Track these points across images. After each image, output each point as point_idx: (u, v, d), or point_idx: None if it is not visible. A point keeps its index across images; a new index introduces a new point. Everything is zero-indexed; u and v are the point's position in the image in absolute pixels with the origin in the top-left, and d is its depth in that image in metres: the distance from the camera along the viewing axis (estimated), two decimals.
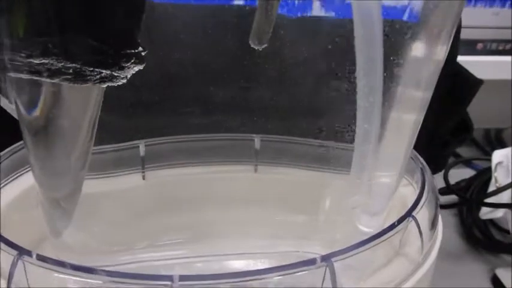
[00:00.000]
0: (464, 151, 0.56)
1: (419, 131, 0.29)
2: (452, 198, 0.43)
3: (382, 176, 0.23)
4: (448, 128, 0.35)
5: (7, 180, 0.24)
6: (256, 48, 0.20)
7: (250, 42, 0.20)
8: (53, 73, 0.18)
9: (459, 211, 0.43)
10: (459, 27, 0.32)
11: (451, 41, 0.20)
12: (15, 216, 0.24)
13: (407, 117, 0.21)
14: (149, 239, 0.26)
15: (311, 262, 0.18)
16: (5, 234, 0.19)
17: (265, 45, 0.20)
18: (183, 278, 0.17)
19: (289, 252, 0.27)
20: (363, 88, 0.18)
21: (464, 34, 0.45)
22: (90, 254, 0.24)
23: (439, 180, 0.42)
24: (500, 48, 0.47)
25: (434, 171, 0.38)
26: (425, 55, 0.20)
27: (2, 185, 0.24)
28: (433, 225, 0.23)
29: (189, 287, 0.17)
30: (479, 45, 0.46)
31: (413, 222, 0.21)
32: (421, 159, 0.25)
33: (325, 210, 0.26)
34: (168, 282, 0.17)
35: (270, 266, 0.18)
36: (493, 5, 0.45)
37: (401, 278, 0.21)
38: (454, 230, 0.42)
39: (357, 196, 0.22)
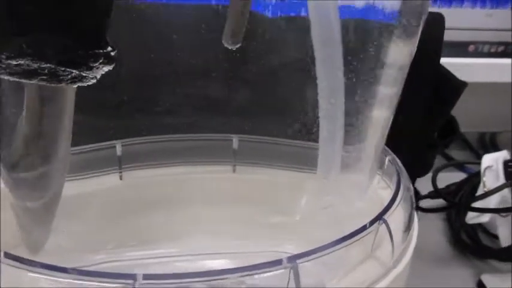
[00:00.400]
0: (457, 154, 0.56)
1: (404, 134, 0.30)
2: (441, 202, 0.42)
3: (351, 175, 0.22)
4: (433, 130, 0.35)
5: None
6: (230, 48, 0.20)
7: (223, 41, 0.20)
8: (30, 74, 0.18)
9: (447, 215, 0.43)
10: (442, 29, 0.32)
11: (417, 38, 0.20)
12: None
13: (376, 114, 0.21)
14: (126, 238, 0.26)
15: (277, 263, 0.18)
16: None
17: (239, 44, 0.21)
18: (146, 277, 0.17)
19: (267, 252, 0.27)
20: (323, 90, 0.18)
21: (456, 36, 0.45)
22: (64, 255, 0.24)
23: (428, 184, 0.42)
24: (493, 50, 0.46)
25: (420, 173, 0.38)
26: (390, 53, 0.20)
27: None
28: (408, 228, 0.23)
29: (152, 286, 0.17)
30: (471, 47, 0.46)
31: (384, 226, 0.21)
32: (399, 162, 0.25)
33: (303, 210, 0.27)
34: (131, 281, 0.17)
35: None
36: (485, 6, 0.45)
37: (373, 279, 0.21)
38: (442, 234, 0.42)
39: (327, 196, 0.22)
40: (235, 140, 0.27)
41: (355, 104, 0.21)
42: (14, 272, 0.18)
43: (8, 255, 0.18)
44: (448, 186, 0.44)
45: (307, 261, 0.19)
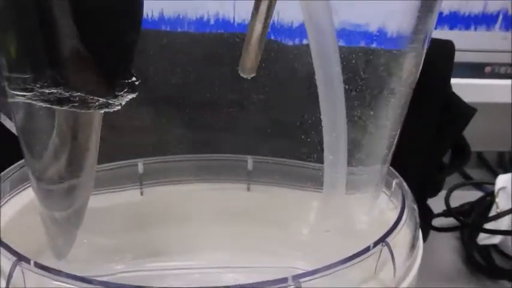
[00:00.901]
0: (475, 173, 0.56)
1: (414, 156, 0.30)
2: (455, 220, 0.43)
3: (356, 195, 0.24)
4: (442, 153, 0.36)
5: (17, 190, 0.26)
6: (245, 77, 0.22)
7: (239, 71, 0.22)
8: (62, 101, 0.19)
9: (461, 234, 0.43)
10: (452, 56, 0.33)
11: (421, 60, 0.21)
12: (23, 223, 0.26)
13: (380, 136, 0.22)
14: (144, 250, 0.28)
15: (283, 281, 0.19)
16: (15, 240, 0.21)
17: (254, 74, 0.22)
18: None
19: (277, 268, 0.28)
20: (325, 123, 0.19)
21: (473, 57, 0.46)
22: (85, 264, 0.26)
23: (442, 202, 0.42)
24: (509, 71, 0.47)
25: (430, 194, 0.39)
26: (394, 75, 0.21)
27: (12, 195, 0.26)
28: (412, 246, 0.24)
29: None
30: (488, 69, 0.47)
31: (386, 248, 0.22)
32: (405, 185, 0.26)
33: (313, 228, 0.28)
34: None
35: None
36: (502, 29, 0.45)
37: None
38: (455, 253, 0.43)
39: (328, 220, 0.23)
40: (250, 161, 0.29)
41: (358, 127, 0.22)
42: (40, 279, 0.19)
43: (37, 264, 0.20)
44: (462, 205, 0.44)
45: (311, 280, 0.20)
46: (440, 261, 0.42)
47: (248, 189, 0.29)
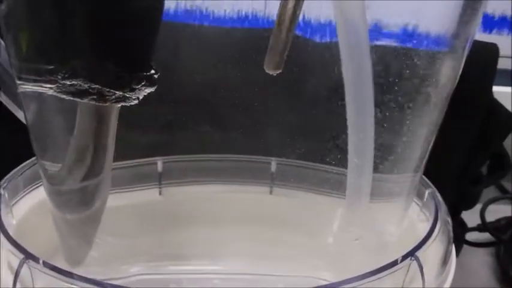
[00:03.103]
0: None
1: (450, 165, 0.29)
2: (489, 235, 0.40)
3: (385, 204, 0.22)
4: (480, 164, 0.34)
5: (31, 187, 0.26)
6: (271, 74, 0.21)
7: (265, 67, 0.21)
8: (81, 93, 0.19)
9: (496, 250, 0.41)
10: (495, 61, 0.31)
11: (461, 64, 0.19)
12: (37, 222, 0.25)
13: (414, 143, 0.21)
14: (161, 252, 0.27)
15: None
16: (28, 238, 0.20)
17: (280, 71, 0.21)
18: None
19: (300, 277, 0.27)
20: (352, 124, 0.18)
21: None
22: (102, 265, 0.25)
23: (477, 216, 0.40)
24: None
25: (465, 207, 0.37)
26: (431, 79, 0.19)
27: (25, 193, 0.25)
28: (444, 262, 0.22)
29: None
30: None
31: (415, 262, 0.20)
32: (439, 195, 0.24)
33: (337, 237, 0.26)
34: None
35: None
36: None
37: None
38: (489, 269, 0.40)
39: (356, 228, 0.22)
40: (273, 163, 0.27)
41: (389, 132, 0.20)
42: (50, 280, 0.19)
43: (46, 264, 0.19)
44: (498, 220, 0.42)
45: None
46: (473, 278, 0.40)
47: (271, 192, 0.28)
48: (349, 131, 0.19)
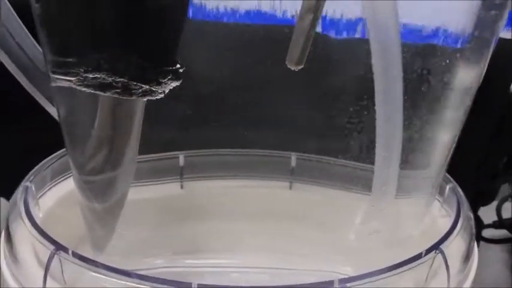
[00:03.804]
0: None
1: (468, 160, 0.29)
2: (506, 232, 0.40)
3: (407, 200, 0.22)
4: (497, 161, 0.34)
5: (58, 179, 0.26)
6: (293, 69, 0.21)
7: (286, 63, 0.21)
8: (104, 87, 0.19)
9: None
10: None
11: (486, 62, 0.19)
12: (63, 214, 0.26)
13: (438, 139, 0.21)
14: (182, 246, 0.27)
15: (328, 284, 0.18)
16: (54, 230, 0.20)
17: (302, 66, 0.21)
18: (201, 286, 0.18)
19: (319, 271, 0.27)
20: (381, 116, 0.18)
21: None
22: (124, 257, 0.25)
23: (493, 212, 0.40)
24: None
25: (483, 203, 0.37)
26: (458, 74, 0.19)
27: (53, 184, 0.26)
28: (467, 258, 0.22)
29: None
30: None
31: (440, 256, 0.20)
32: (460, 190, 0.24)
33: (357, 232, 0.26)
34: None
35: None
36: None
37: None
38: (505, 266, 0.40)
39: (376, 221, 0.22)
40: (293, 158, 0.27)
41: (415, 127, 0.20)
42: (77, 269, 0.19)
43: (75, 255, 0.19)
44: None
45: (359, 285, 0.19)
46: (488, 274, 0.40)
47: (290, 187, 0.28)
48: (378, 124, 0.19)
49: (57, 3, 0.18)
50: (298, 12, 0.19)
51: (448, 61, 0.20)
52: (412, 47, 0.20)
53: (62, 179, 0.26)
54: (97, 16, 0.18)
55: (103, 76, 0.19)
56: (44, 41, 0.19)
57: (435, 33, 0.20)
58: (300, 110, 0.26)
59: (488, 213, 0.40)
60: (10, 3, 0.20)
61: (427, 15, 0.20)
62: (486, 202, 0.37)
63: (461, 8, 0.20)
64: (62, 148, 0.25)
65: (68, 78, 0.19)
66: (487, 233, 0.40)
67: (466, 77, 0.20)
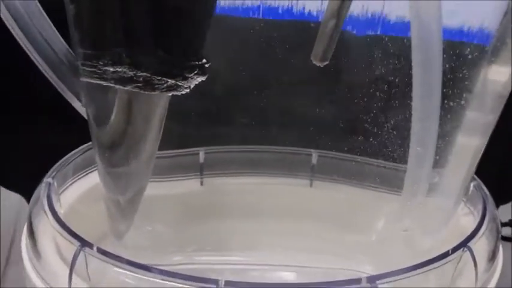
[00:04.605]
0: None
1: (489, 159, 0.28)
2: None
3: (437, 200, 0.22)
4: None
5: (80, 174, 0.26)
6: (318, 65, 0.21)
7: (312, 58, 0.21)
8: (125, 81, 0.19)
9: None
10: None
11: None
12: (84, 209, 0.26)
13: (469, 142, 0.21)
14: (201, 242, 0.27)
15: (356, 281, 0.18)
16: (74, 226, 0.20)
17: (327, 62, 0.21)
18: (228, 283, 0.17)
19: (341, 270, 0.27)
20: (418, 112, 0.18)
21: None
22: (144, 252, 0.25)
23: (509, 210, 0.40)
24: None
25: (502, 201, 0.37)
26: (491, 77, 0.19)
27: (74, 180, 0.26)
28: (492, 257, 0.22)
29: None
30: None
31: (468, 253, 0.20)
32: (485, 188, 0.24)
33: (379, 231, 0.26)
34: (213, 286, 0.17)
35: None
36: None
37: None
38: None
39: (407, 219, 0.22)
40: (314, 155, 0.27)
41: (448, 129, 0.20)
42: (100, 264, 0.19)
43: (99, 250, 0.19)
44: None
45: (386, 282, 0.18)
46: (503, 273, 0.39)
47: (311, 185, 0.28)
48: (413, 119, 0.18)
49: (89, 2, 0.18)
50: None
51: (483, 63, 0.20)
52: (448, 45, 0.20)
53: (83, 175, 0.26)
54: (124, 11, 0.18)
55: (124, 70, 0.19)
56: (75, 38, 0.19)
57: (471, 33, 0.20)
58: (321, 108, 0.26)
59: (503, 212, 0.40)
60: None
61: (463, 15, 0.20)
62: (507, 200, 0.36)
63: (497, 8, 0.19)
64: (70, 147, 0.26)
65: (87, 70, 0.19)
66: (503, 231, 0.39)
67: (502, 80, 0.20)
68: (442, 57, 0.18)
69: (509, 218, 0.39)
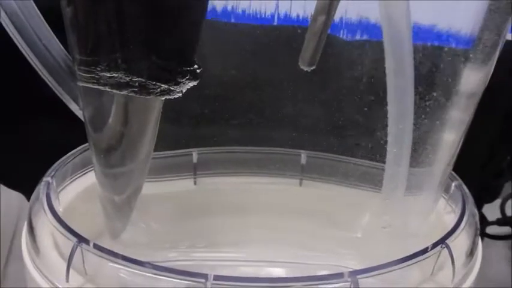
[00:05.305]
0: None
1: (472, 161, 0.29)
2: (509, 229, 0.41)
3: (415, 197, 0.23)
4: (501, 159, 0.34)
5: (78, 174, 0.27)
6: (305, 70, 0.22)
7: (299, 63, 0.22)
8: (122, 86, 0.20)
9: None
10: None
11: (492, 65, 0.20)
12: (83, 208, 0.26)
13: (445, 139, 0.22)
14: (195, 240, 0.28)
15: (338, 276, 0.19)
16: (73, 224, 0.21)
17: (314, 67, 0.22)
18: (217, 277, 0.18)
19: (329, 265, 0.28)
20: (392, 114, 0.19)
21: None
22: (140, 249, 0.26)
23: (497, 210, 0.41)
24: None
25: (486, 200, 0.38)
26: (462, 79, 0.20)
27: (72, 179, 0.27)
28: (471, 253, 0.23)
29: (221, 287, 0.18)
30: None
31: (446, 250, 0.21)
32: (465, 188, 0.25)
33: (365, 228, 0.27)
34: (202, 280, 0.18)
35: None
36: None
37: None
38: (507, 262, 0.41)
39: (387, 216, 0.23)
40: (303, 156, 0.28)
41: (424, 127, 0.21)
42: (96, 260, 0.20)
43: (95, 246, 0.20)
44: None
45: (368, 277, 0.19)
46: (491, 270, 0.40)
47: (300, 184, 0.29)
48: (389, 121, 0.19)
49: (85, 6, 0.19)
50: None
51: (455, 63, 0.21)
52: (420, 48, 0.21)
53: (81, 174, 0.27)
54: (117, 17, 0.19)
55: (120, 75, 0.20)
56: (72, 44, 0.20)
57: (442, 34, 0.21)
58: (310, 109, 0.27)
59: (492, 211, 0.40)
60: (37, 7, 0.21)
61: (434, 16, 0.21)
62: (490, 200, 0.37)
63: (470, 10, 0.20)
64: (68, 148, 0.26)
65: (84, 75, 0.20)
66: (490, 230, 0.40)
67: (473, 79, 0.21)
68: (415, 60, 0.19)
69: (497, 217, 0.40)
